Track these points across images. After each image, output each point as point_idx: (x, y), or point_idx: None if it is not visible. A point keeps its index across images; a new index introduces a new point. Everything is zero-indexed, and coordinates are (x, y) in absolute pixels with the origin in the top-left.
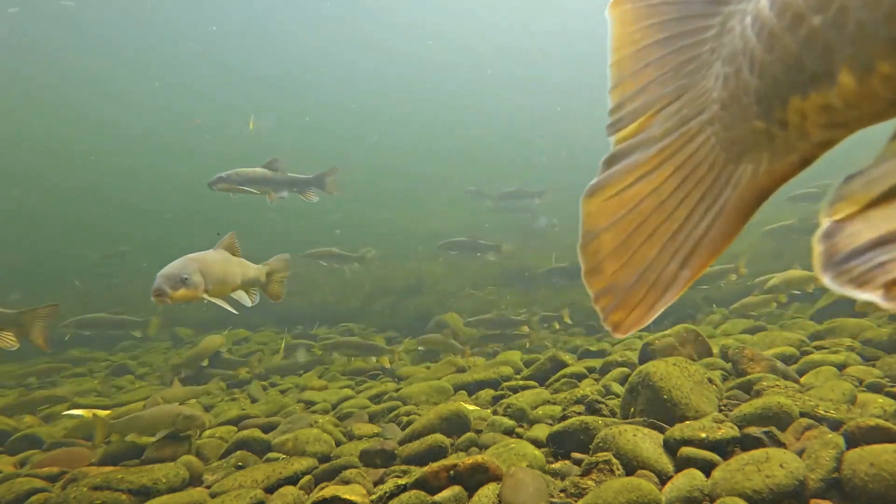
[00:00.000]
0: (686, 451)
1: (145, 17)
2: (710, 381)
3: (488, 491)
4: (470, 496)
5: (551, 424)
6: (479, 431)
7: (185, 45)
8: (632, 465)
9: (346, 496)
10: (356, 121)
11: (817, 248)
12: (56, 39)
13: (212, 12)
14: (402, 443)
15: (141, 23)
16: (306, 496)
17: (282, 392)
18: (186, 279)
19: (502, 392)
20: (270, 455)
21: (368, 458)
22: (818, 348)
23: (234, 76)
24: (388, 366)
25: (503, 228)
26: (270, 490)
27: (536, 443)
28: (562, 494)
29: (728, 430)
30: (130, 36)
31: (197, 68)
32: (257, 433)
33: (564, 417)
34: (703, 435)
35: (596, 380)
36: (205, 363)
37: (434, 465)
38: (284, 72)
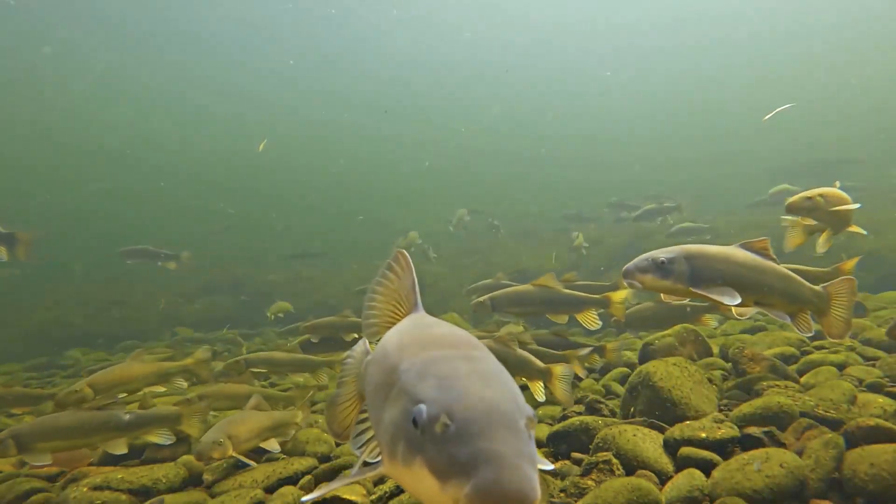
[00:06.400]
0: (686, 450)
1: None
2: (710, 381)
3: None
4: None
5: (551, 424)
6: None
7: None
8: (632, 465)
9: (346, 496)
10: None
11: None
12: None
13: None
14: None
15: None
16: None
17: (282, 391)
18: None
19: None
20: (270, 455)
21: None
22: (818, 348)
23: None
24: None
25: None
26: (270, 490)
27: (536, 443)
28: (562, 494)
29: (728, 430)
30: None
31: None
32: None
33: (564, 417)
34: (703, 435)
35: (596, 380)
36: None
37: None
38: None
